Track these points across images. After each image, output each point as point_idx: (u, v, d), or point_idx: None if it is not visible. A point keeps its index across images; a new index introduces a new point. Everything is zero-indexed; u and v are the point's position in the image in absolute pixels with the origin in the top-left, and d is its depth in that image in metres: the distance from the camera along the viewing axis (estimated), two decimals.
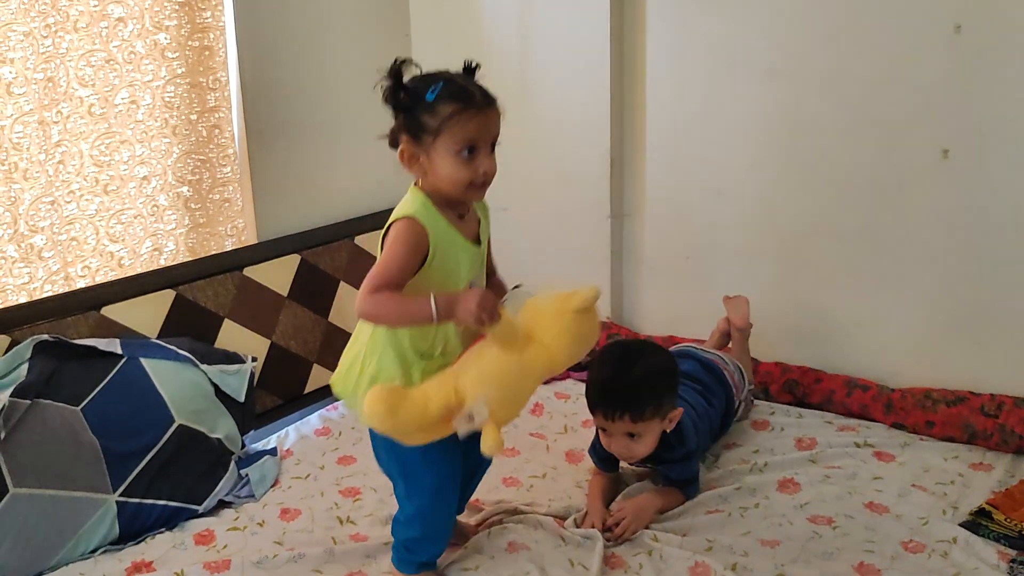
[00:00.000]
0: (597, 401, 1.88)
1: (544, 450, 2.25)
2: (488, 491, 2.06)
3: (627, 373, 1.84)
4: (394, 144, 1.57)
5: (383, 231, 1.57)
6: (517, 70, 2.78)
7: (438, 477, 1.63)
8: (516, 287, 1.70)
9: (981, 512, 1.82)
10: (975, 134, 2.16)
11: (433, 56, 2.92)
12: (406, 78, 1.53)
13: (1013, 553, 1.71)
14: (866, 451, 2.13)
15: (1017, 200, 2.14)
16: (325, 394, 2.57)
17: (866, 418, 2.29)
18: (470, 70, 1.58)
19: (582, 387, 2.56)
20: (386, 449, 1.65)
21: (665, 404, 1.84)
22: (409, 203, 1.56)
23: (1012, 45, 2.08)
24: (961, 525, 1.81)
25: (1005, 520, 1.78)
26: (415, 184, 1.59)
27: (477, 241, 1.63)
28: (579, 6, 2.63)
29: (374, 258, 2.85)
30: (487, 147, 1.53)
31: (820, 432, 2.23)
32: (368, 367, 1.59)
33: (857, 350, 2.41)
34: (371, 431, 1.65)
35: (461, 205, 1.59)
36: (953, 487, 1.96)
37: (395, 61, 1.53)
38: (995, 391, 2.17)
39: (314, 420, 2.42)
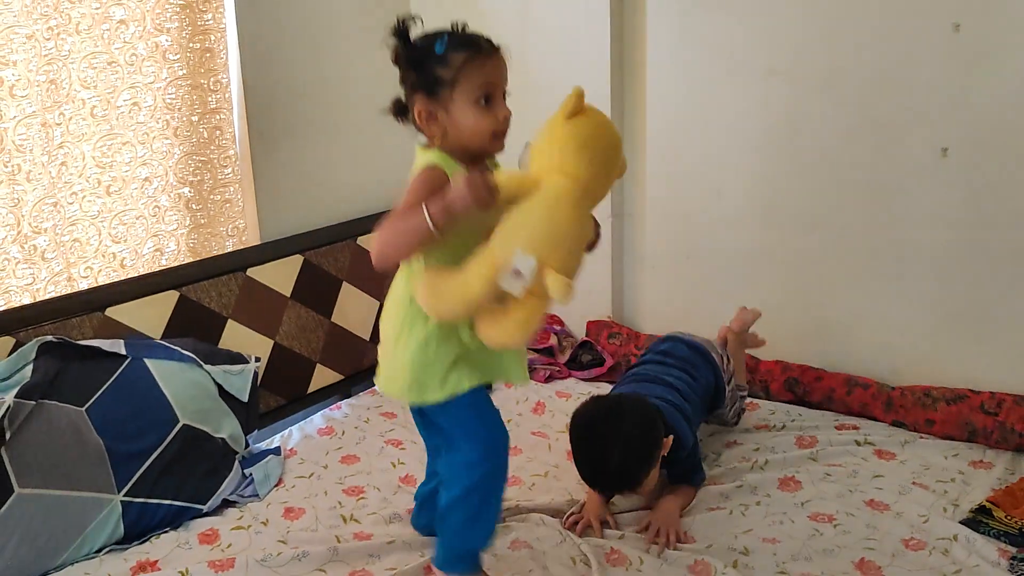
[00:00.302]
0: (591, 483, 1.88)
1: (546, 449, 2.26)
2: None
3: (609, 460, 1.79)
4: (400, 112, 1.55)
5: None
6: (518, 70, 2.78)
7: (494, 425, 1.63)
8: (525, 146, 1.57)
9: (982, 510, 1.83)
10: (974, 132, 2.17)
11: None
12: (412, 36, 1.53)
13: (1014, 550, 1.72)
14: (867, 449, 2.14)
15: (1015, 198, 2.15)
16: (328, 394, 2.58)
17: (866, 416, 2.29)
18: (461, 29, 1.58)
19: (584, 386, 2.58)
20: (437, 412, 1.61)
21: (654, 456, 1.82)
22: (425, 157, 1.52)
23: (1010, 43, 2.08)
24: (962, 523, 1.81)
25: (1005, 517, 1.78)
26: (424, 147, 1.56)
27: None
28: (580, 5, 2.64)
29: None
30: (501, 94, 1.52)
31: (821, 430, 2.24)
32: (411, 340, 1.54)
33: (857, 348, 2.42)
34: (412, 408, 1.68)
35: (480, 161, 1.54)
36: (953, 485, 1.97)
37: (399, 19, 1.53)
38: (995, 389, 2.18)
39: (317, 420, 2.43)
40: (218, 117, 2.39)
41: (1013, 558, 1.70)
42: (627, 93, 2.68)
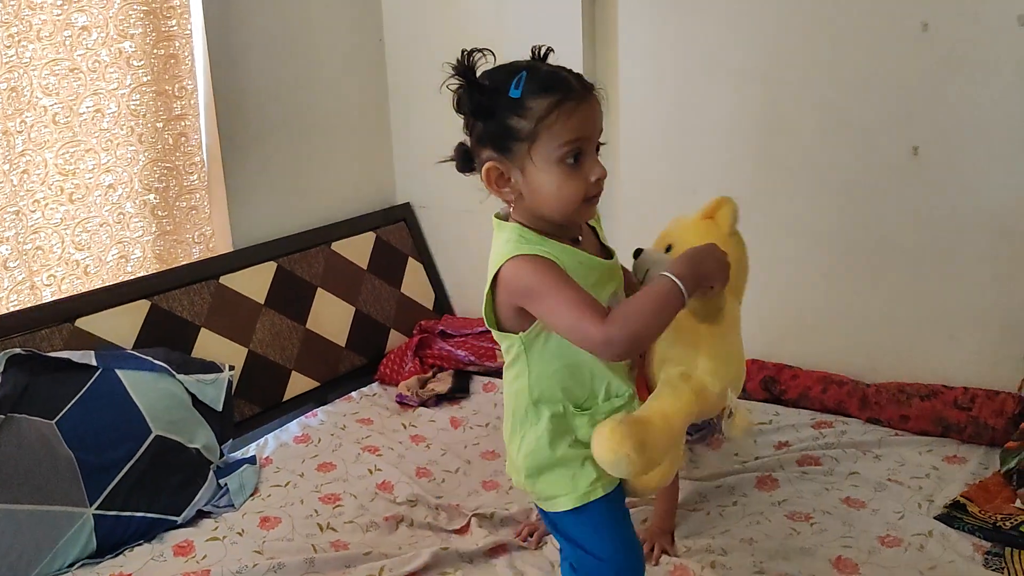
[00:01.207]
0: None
1: None
2: (468, 495, 2.07)
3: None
4: (465, 165, 1.27)
5: (487, 291, 1.24)
6: None
7: (630, 546, 1.38)
8: (638, 251, 1.43)
9: (956, 505, 1.84)
10: (944, 131, 2.18)
11: (407, 61, 2.96)
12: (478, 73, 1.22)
13: (988, 545, 1.73)
14: (843, 446, 2.15)
15: (985, 195, 2.16)
16: (304, 401, 2.56)
17: (842, 413, 2.30)
18: (541, 57, 1.26)
19: None
20: (563, 518, 1.34)
21: None
22: (507, 242, 1.23)
23: (977, 42, 2.10)
24: (936, 518, 1.83)
25: (979, 512, 1.80)
26: (502, 216, 1.29)
27: (606, 254, 1.35)
28: (553, 7, 2.64)
29: (352, 264, 2.84)
30: (593, 147, 1.24)
31: (797, 428, 2.25)
32: (523, 444, 1.32)
33: (833, 346, 2.43)
34: (545, 512, 1.37)
35: (572, 228, 1.30)
36: (928, 480, 1.98)
37: (463, 53, 1.21)
38: (968, 384, 2.19)
39: (293, 427, 2.41)
40: (183, 123, 2.37)
41: (988, 552, 1.71)
42: (600, 93, 2.67)
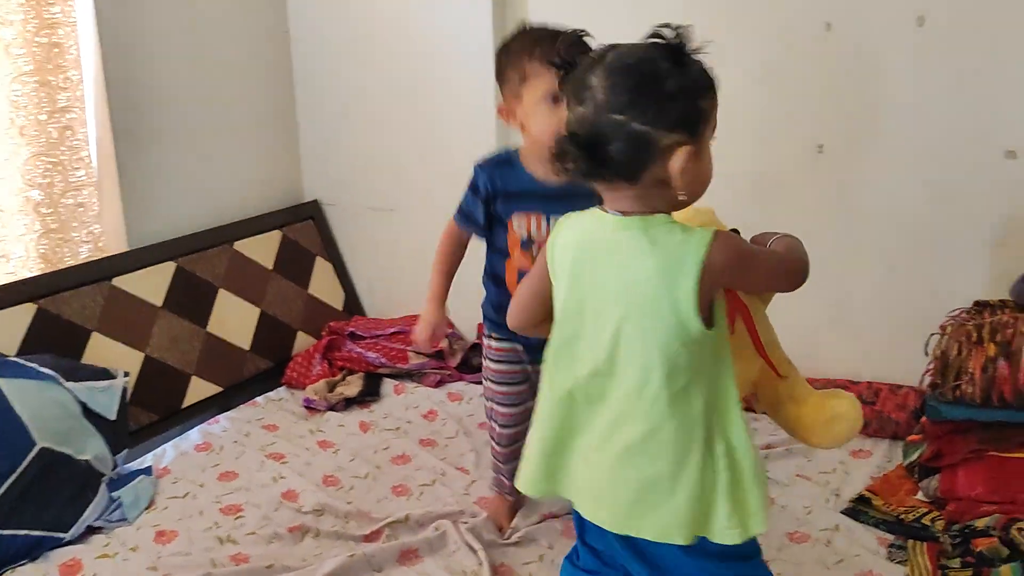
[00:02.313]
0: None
1: (434, 457, 2.20)
2: (378, 502, 2.01)
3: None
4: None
5: (695, 287, 1.09)
6: (401, 68, 2.72)
7: None
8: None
9: (861, 499, 1.86)
10: (848, 129, 2.22)
11: (314, 53, 2.87)
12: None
13: (891, 538, 1.76)
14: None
15: (887, 192, 2.20)
16: (205, 407, 2.45)
17: (750, 410, 2.30)
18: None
19: (476, 388, 2.53)
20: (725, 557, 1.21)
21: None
22: (686, 230, 1.13)
23: (879, 41, 2.14)
24: (843, 512, 1.85)
25: (883, 506, 1.83)
26: (633, 213, 1.15)
27: None
28: (462, 8, 2.59)
29: (256, 263, 2.75)
30: None
31: None
32: (721, 460, 1.15)
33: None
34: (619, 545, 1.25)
35: None
36: (835, 475, 2.01)
37: (673, 30, 1.15)
38: (872, 379, 2.23)
39: (194, 435, 2.31)
40: (68, 116, 2.24)
41: (891, 545, 1.74)
42: None
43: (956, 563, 1.64)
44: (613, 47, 1.15)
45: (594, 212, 1.19)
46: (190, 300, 2.49)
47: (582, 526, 1.33)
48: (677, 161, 1.10)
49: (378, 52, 2.73)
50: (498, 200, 1.69)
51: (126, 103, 2.39)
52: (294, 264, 2.80)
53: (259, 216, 2.79)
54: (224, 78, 2.68)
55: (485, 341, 1.84)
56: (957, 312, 1.94)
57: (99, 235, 2.35)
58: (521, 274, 1.64)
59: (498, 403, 1.83)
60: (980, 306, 2.00)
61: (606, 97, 1.09)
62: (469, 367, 2.64)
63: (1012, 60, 2.01)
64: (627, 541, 1.22)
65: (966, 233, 2.14)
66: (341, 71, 2.83)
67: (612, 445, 1.17)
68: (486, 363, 1.84)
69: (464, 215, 1.75)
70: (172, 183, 2.55)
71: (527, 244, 1.68)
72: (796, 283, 1.24)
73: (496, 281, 1.76)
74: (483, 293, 1.81)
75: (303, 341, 2.74)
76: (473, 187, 1.72)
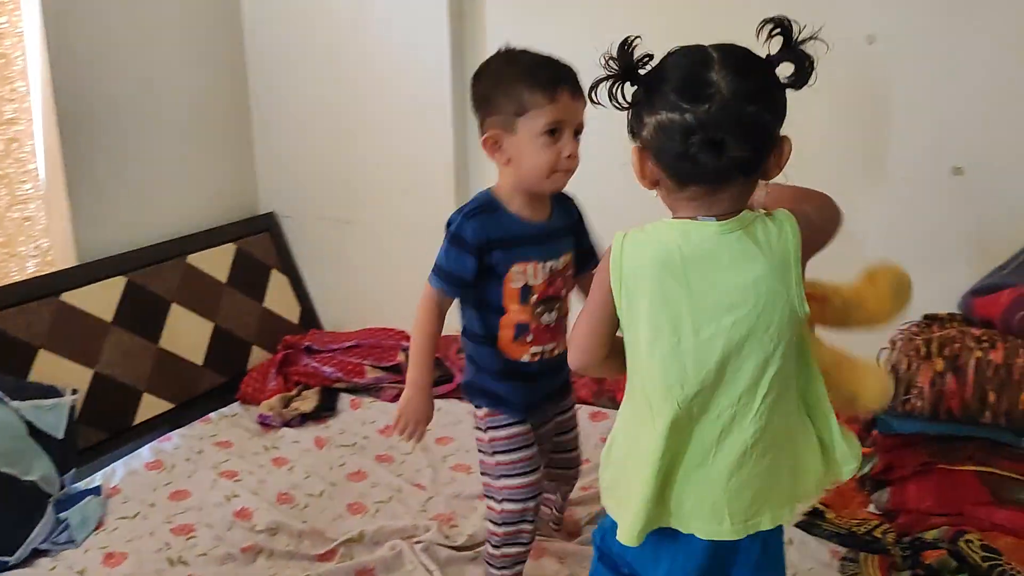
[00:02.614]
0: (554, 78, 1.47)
1: (390, 473, 2.18)
2: (333, 520, 1.99)
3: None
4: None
5: (797, 274, 1.13)
6: (358, 79, 2.70)
7: None
8: None
9: (814, 512, 1.88)
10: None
11: (269, 62, 2.84)
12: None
13: (844, 551, 1.77)
14: None
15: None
16: (156, 425, 2.41)
17: None
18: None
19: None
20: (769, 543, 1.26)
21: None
22: (779, 218, 1.16)
23: (824, 60, 2.16)
24: (796, 526, 1.86)
25: (836, 518, 1.84)
26: (737, 213, 1.14)
27: None
28: (418, 9, 2.58)
29: (210, 277, 2.71)
30: None
31: None
32: (809, 460, 1.23)
33: None
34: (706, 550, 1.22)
35: None
36: None
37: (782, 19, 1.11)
38: None
39: (145, 453, 2.27)
40: (15, 128, 2.19)
41: (844, 558, 1.75)
42: (468, 102, 2.63)
43: (906, 575, 1.66)
44: (695, 47, 1.15)
45: (672, 224, 1.14)
46: (141, 315, 2.45)
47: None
48: (787, 149, 1.12)
49: (335, 63, 2.72)
50: (494, 251, 1.49)
51: (75, 115, 2.34)
52: (249, 277, 2.77)
53: (213, 229, 2.75)
54: (176, 89, 2.65)
55: (485, 428, 1.59)
56: (907, 326, 1.97)
57: (47, 249, 2.31)
58: (520, 327, 1.53)
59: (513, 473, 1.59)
60: (929, 320, 2.03)
61: (735, 89, 1.06)
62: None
63: (959, 77, 2.05)
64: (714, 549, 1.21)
65: (915, 247, 2.18)
66: (297, 82, 2.81)
67: (723, 455, 1.15)
68: (494, 458, 1.59)
69: (449, 277, 1.51)
70: (123, 196, 2.51)
71: (527, 294, 1.51)
72: (839, 222, 1.24)
73: (490, 342, 1.55)
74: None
75: (258, 356, 2.70)
76: (458, 240, 1.49)
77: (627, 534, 1.18)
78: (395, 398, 2.55)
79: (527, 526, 1.60)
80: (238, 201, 2.89)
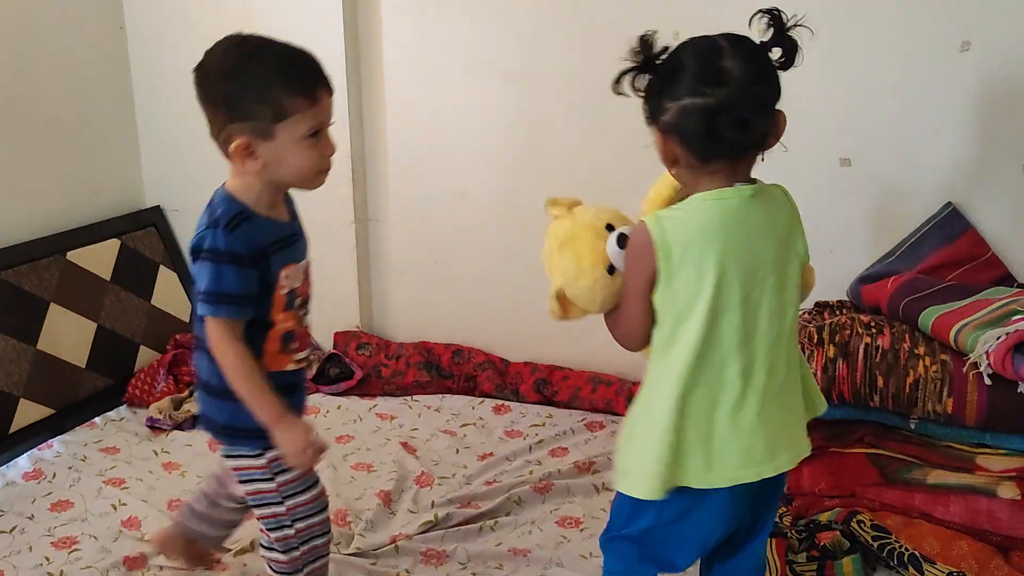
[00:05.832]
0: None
1: None
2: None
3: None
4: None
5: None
6: None
7: None
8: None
9: None
10: None
11: (153, 51, 2.71)
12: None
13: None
14: (615, 446, 2.18)
15: None
16: (36, 432, 2.27)
17: (611, 412, 2.35)
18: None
19: (334, 400, 2.46)
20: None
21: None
22: (784, 200, 1.34)
23: None
24: None
25: None
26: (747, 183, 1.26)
27: None
28: (311, 2, 2.50)
29: (92, 274, 2.56)
30: None
31: (569, 431, 2.27)
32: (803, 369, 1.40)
33: (598, 346, 2.47)
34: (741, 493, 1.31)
35: None
36: None
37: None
38: None
39: (22, 463, 2.14)
40: None
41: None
42: (365, 94, 2.57)
43: (802, 557, 1.70)
44: (704, 38, 1.26)
45: (706, 196, 1.23)
46: (17, 316, 2.30)
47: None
48: (783, 123, 1.25)
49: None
50: (269, 257, 1.37)
51: None
52: (135, 274, 2.63)
53: (95, 224, 2.61)
54: (55, 77, 2.50)
55: (273, 475, 1.45)
56: (800, 313, 2.02)
57: None
58: (287, 336, 1.41)
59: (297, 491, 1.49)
60: (820, 307, 2.09)
61: (747, 73, 1.19)
62: (326, 378, 2.56)
63: (848, 70, 2.11)
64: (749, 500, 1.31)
65: (807, 237, 2.23)
66: (183, 70, 2.66)
67: (752, 400, 1.25)
68: (275, 482, 1.46)
69: (239, 299, 1.34)
70: None
71: (292, 299, 1.41)
72: None
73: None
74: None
75: (146, 356, 2.58)
76: (231, 256, 1.33)
77: (647, 489, 1.27)
78: None
79: (320, 540, 1.53)
80: (122, 194, 2.75)
